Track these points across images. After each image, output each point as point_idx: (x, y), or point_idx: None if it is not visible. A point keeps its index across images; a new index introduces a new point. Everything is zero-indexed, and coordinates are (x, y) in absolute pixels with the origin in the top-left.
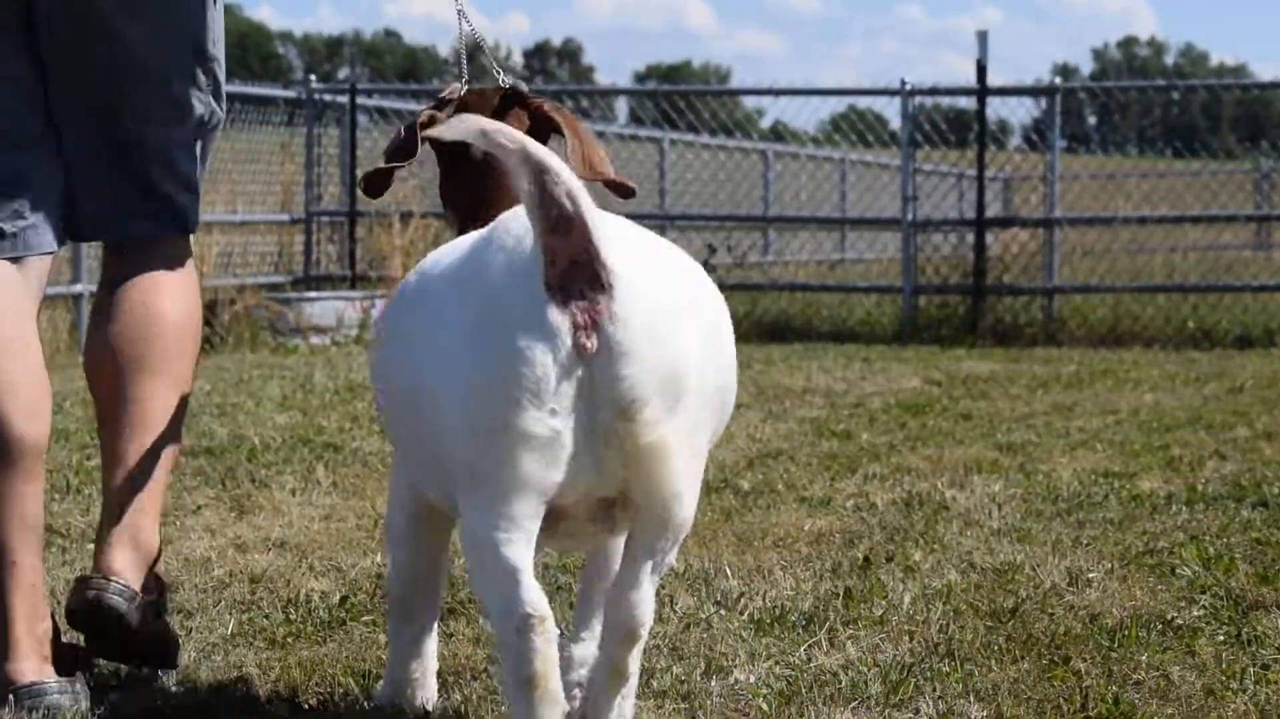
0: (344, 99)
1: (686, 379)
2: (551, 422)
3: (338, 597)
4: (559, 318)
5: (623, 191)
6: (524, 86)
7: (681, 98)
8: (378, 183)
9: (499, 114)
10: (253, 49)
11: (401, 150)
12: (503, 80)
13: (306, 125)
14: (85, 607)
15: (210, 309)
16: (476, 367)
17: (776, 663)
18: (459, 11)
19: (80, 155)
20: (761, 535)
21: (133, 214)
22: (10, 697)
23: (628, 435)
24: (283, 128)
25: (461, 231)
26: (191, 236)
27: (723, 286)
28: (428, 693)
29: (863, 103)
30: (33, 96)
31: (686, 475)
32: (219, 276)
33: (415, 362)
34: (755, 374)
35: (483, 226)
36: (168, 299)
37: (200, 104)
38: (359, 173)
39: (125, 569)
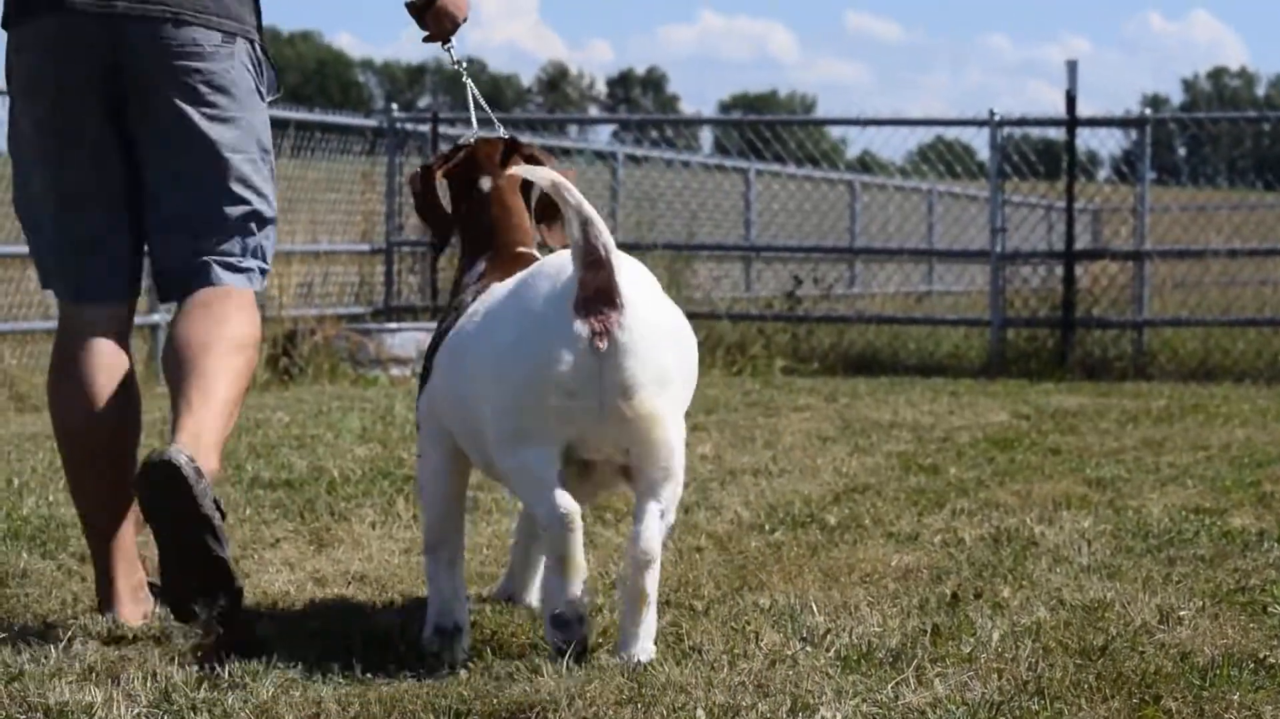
0: (425, 128)
1: (670, 371)
2: (571, 400)
3: (417, 631)
4: (582, 327)
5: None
6: (520, 137)
7: (767, 128)
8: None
9: (503, 159)
10: (333, 77)
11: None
12: (502, 131)
13: (388, 154)
14: (149, 461)
15: (290, 339)
16: (524, 361)
17: (863, 700)
18: (457, 64)
19: (161, 224)
20: (848, 571)
21: (203, 272)
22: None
23: (628, 409)
24: (364, 157)
25: (467, 253)
26: (267, 273)
27: (809, 318)
28: (461, 616)
29: (950, 133)
30: (112, 167)
31: (675, 433)
32: (299, 307)
33: (476, 359)
34: (841, 407)
35: (489, 248)
36: (230, 316)
37: (266, 184)
38: None
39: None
